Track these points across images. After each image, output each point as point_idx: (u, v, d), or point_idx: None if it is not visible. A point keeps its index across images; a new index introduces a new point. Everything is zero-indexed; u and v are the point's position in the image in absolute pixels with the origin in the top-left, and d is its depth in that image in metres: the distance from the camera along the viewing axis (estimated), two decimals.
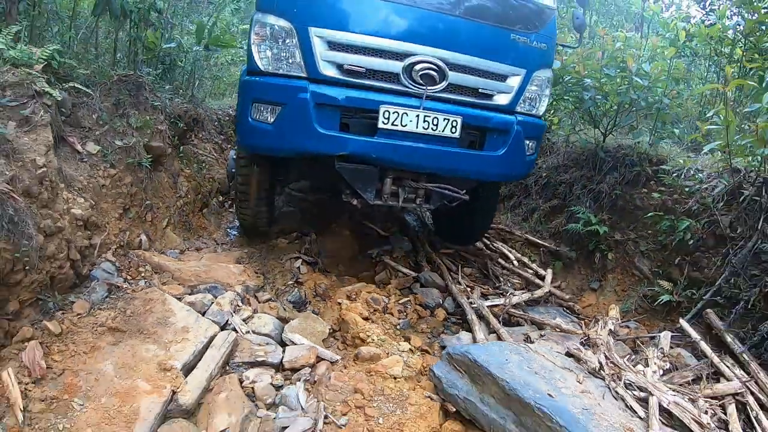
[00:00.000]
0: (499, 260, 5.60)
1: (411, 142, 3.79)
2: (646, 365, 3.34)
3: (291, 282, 4.41)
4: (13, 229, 2.67)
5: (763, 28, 4.15)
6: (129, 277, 3.62)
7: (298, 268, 4.66)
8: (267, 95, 3.70)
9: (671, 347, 3.65)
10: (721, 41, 6.01)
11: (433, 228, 6.33)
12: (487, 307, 4.31)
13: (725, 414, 2.99)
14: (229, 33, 7.45)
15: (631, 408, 2.71)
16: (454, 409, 2.85)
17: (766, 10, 4.63)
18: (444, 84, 3.79)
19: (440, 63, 3.74)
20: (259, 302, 3.88)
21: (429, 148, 3.85)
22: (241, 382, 2.82)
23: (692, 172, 4.55)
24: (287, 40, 3.58)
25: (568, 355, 3.26)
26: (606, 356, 3.23)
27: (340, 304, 4.03)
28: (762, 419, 2.97)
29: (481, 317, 4.18)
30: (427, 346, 3.81)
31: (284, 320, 3.67)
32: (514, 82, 4.08)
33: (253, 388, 2.81)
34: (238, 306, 3.58)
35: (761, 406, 3.09)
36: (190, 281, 3.76)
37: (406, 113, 3.71)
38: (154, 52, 5.12)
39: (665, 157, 5.05)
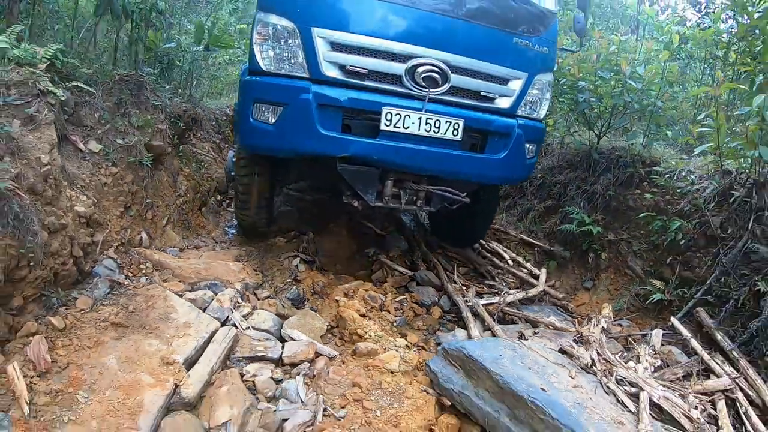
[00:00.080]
0: (494, 260, 5.67)
1: (413, 145, 3.79)
2: (638, 362, 3.41)
3: (289, 280, 4.47)
4: (18, 226, 2.72)
5: (756, 31, 4.20)
6: (130, 274, 3.67)
7: (296, 266, 4.72)
8: (269, 95, 3.68)
9: (662, 344, 3.72)
10: (715, 44, 6.10)
11: (430, 229, 6.34)
12: (482, 305, 4.38)
13: (715, 410, 3.06)
14: (227, 33, 7.50)
15: (622, 402, 2.79)
16: (450, 403, 2.92)
17: (758, 15, 4.71)
18: (446, 86, 3.79)
19: (443, 65, 3.74)
20: (258, 299, 3.94)
21: (431, 150, 3.85)
22: (241, 376, 2.89)
23: (684, 174, 4.64)
24: (290, 40, 3.56)
25: (561, 351, 3.33)
26: (598, 353, 3.30)
27: (337, 301, 4.09)
28: (751, 415, 3.05)
29: (476, 315, 4.25)
30: (423, 342, 3.88)
31: (283, 317, 3.73)
32: (516, 85, 4.09)
33: (253, 381, 2.88)
34: (238, 303, 3.64)
35: (750, 402, 3.17)
36: (191, 278, 3.81)
37: (408, 115, 3.71)
38: (154, 52, 5.17)
39: (658, 158, 5.14)
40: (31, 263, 2.85)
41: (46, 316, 2.92)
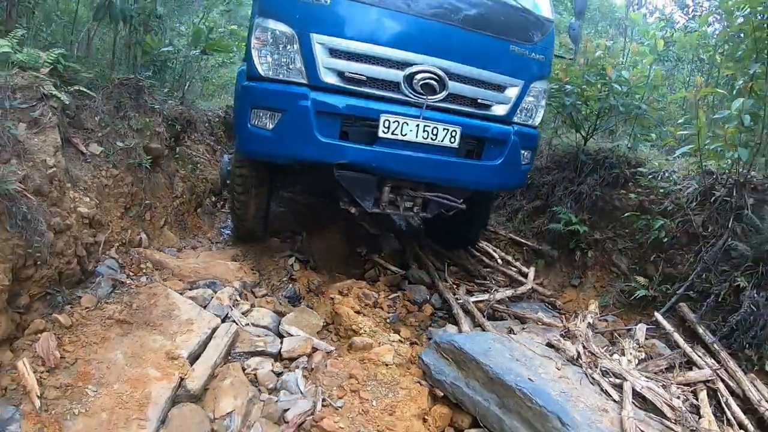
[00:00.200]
0: (484, 259, 5.82)
1: (411, 152, 3.80)
2: (622, 355, 3.56)
3: (285, 279, 4.59)
4: (26, 226, 2.81)
5: (742, 35, 4.33)
6: (131, 274, 3.76)
7: (292, 265, 4.84)
8: (267, 101, 3.68)
9: (646, 338, 3.88)
10: (701, 48, 6.28)
11: (425, 232, 6.35)
12: (473, 302, 4.51)
13: (697, 400, 3.21)
14: (220, 35, 7.58)
15: (606, 392, 2.93)
16: (442, 394, 3.06)
17: (741, 21, 4.85)
18: (444, 94, 3.80)
19: (441, 73, 3.75)
20: (256, 297, 4.06)
21: (428, 157, 3.86)
22: (243, 369, 3.01)
23: (667, 175, 4.80)
24: (288, 46, 3.56)
25: (549, 345, 3.47)
26: (584, 346, 3.45)
27: (332, 299, 4.21)
28: (732, 404, 3.20)
29: (466, 312, 4.39)
30: (416, 338, 4.02)
31: (280, 314, 3.84)
32: (512, 93, 4.12)
33: (255, 374, 3.00)
34: (237, 300, 3.75)
35: (731, 392, 3.32)
36: (190, 277, 3.92)
37: (406, 123, 3.73)
38: (150, 56, 5.25)
39: (643, 159, 5.30)
40: (38, 262, 2.94)
41: (52, 314, 3.00)
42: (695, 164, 4.57)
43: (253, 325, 3.50)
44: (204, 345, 3.06)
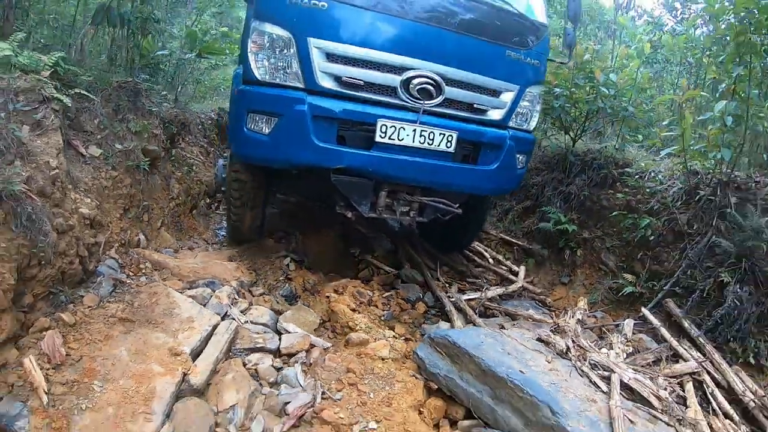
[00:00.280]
0: (476, 258, 5.93)
1: (407, 157, 3.81)
2: (611, 349, 3.68)
3: (282, 278, 4.67)
4: (30, 227, 2.87)
5: (727, 38, 4.47)
6: (131, 274, 3.82)
7: (287, 265, 4.92)
8: (263, 106, 3.67)
9: (634, 333, 4.00)
10: (688, 50, 6.43)
11: (420, 235, 6.37)
12: (465, 300, 4.62)
13: (683, 391, 3.34)
14: (213, 38, 7.64)
15: (595, 384, 3.04)
16: (436, 387, 3.15)
17: (725, 26, 4.97)
18: (440, 99, 3.82)
19: (437, 78, 3.76)
20: (254, 296, 4.13)
21: (425, 162, 3.88)
22: (244, 364, 3.09)
23: (654, 175, 4.95)
24: (285, 50, 3.55)
25: (539, 340, 3.57)
26: (573, 340, 3.56)
27: (328, 297, 4.30)
28: (717, 395, 3.33)
29: (459, 309, 4.49)
30: (410, 334, 4.12)
31: (278, 312, 3.92)
32: (508, 97, 4.14)
33: (256, 369, 3.08)
34: (235, 299, 3.83)
35: (717, 383, 3.45)
36: (189, 277, 3.99)
37: (403, 127, 3.73)
38: (147, 59, 5.32)
39: (630, 160, 5.44)
40: (42, 262, 3.00)
41: (55, 313, 3.05)
42: (680, 164, 4.71)
43: (251, 322, 3.58)
44: (205, 342, 3.14)
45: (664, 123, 4.94)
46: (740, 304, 3.72)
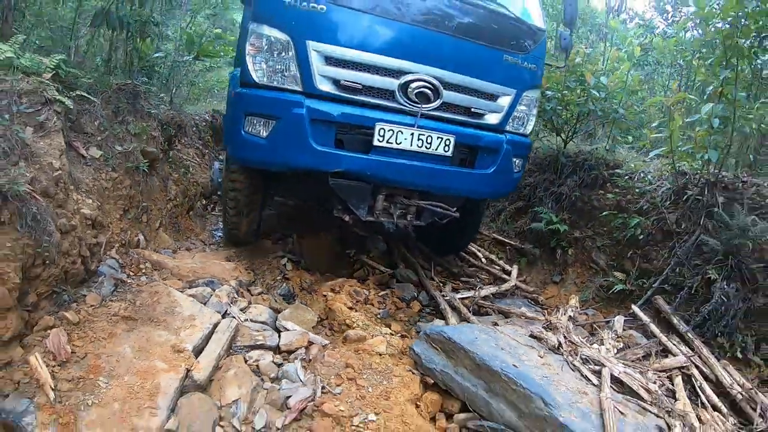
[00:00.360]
0: (469, 258, 6.03)
1: (405, 160, 3.82)
2: (601, 344, 3.79)
3: (279, 278, 4.74)
4: (35, 227, 2.92)
5: (716, 42, 4.49)
6: (131, 273, 3.88)
7: (284, 265, 5.00)
8: (261, 108, 3.66)
9: (624, 329, 4.11)
10: (679, 53, 6.56)
11: (417, 240, 6.39)
12: (459, 299, 4.72)
13: (672, 384, 3.44)
14: (208, 40, 7.69)
15: (586, 377, 3.14)
16: (432, 382, 3.24)
17: (713, 30, 5.07)
18: (438, 102, 3.84)
19: (435, 81, 3.77)
20: (252, 295, 4.21)
21: (423, 166, 3.89)
22: (245, 361, 3.15)
23: (643, 175, 5.06)
24: (283, 53, 3.54)
25: (531, 336, 3.67)
26: (565, 336, 3.66)
27: (325, 296, 4.38)
28: (705, 388, 3.44)
29: (453, 308, 4.59)
30: (405, 331, 4.21)
31: (276, 311, 3.99)
32: (505, 102, 4.15)
33: (257, 365, 3.15)
34: (235, 298, 3.90)
35: (705, 377, 3.57)
36: (188, 276, 4.05)
37: (401, 131, 3.75)
38: (145, 61, 5.37)
39: (620, 161, 5.57)
40: (47, 262, 3.05)
41: (59, 312, 3.10)
42: (669, 165, 4.83)
43: (251, 320, 3.64)
44: (207, 339, 3.20)
45: (653, 125, 5.05)
46: (727, 300, 3.84)
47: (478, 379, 3.01)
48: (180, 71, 7.56)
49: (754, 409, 3.26)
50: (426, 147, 3.86)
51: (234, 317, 3.57)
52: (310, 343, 3.53)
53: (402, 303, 4.84)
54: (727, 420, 3.21)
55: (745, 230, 3.89)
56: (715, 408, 3.31)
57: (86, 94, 3.91)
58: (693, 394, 3.43)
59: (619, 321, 4.17)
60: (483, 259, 6.04)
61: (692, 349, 3.81)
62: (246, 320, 3.63)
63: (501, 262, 5.98)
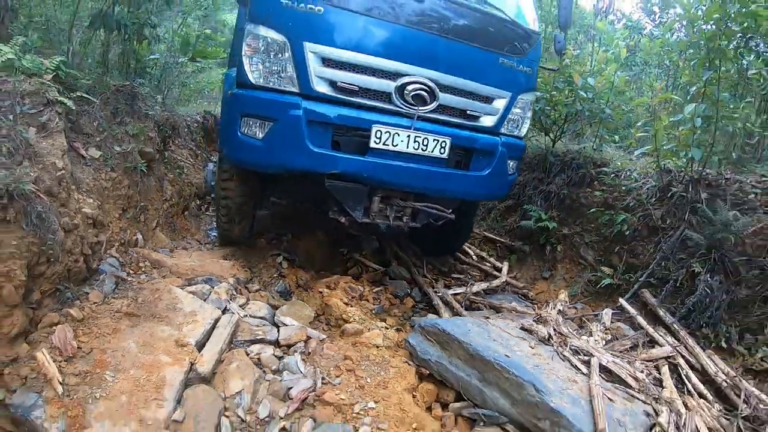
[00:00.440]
0: (461, 256, 6.15)
1: (402, 162, 3.83)
2: (590, 336, 3.91)
3: (275, 275, 4.83)
4: (40, 225, 2.99)
5: (701, 43, 4.56)
6: (131, 272, 3.95)
7: (280, 263, 5.09)
8: (257, 110, 3.65)
9: (612, 322, 4.24)
10: (665, 54, 6.73)
11: (411, 241, 6.39)
12: (451, 295, 4.85)
13: (659, 373, 3.57)
14: (200, 40, 7.73)
15: (576, 367, 3.26)
16: (428, 373, 3.36)
17: (697, 33, 5.20)
18: (434, 105, 3.85)
19: (431, 84, 3.79)
20: (250, 292, 4.29)
21: (419, 168, 3.90)
22: (247, 354, 3.25)
23: (629, 173, 5.21)
24: (280, 54, 3.53)
25: (522, 329, 3.78)
26: (555, 329, 3.79)
27: (321, 293, 4.47)
28: (691, 377, 3.58)
29: (445, 303, 4.71)
30: (400, 326, 4.32)
31: (274, 307, 4.07)
32: (500, 104, 4.18)
33: (259, 358, 3.25)
34: (234, 295, 3.98)
35: (691, 366, 3.70)
36: (187, 274, 4.12)
37: (397, 133, 3.76)
38: (141, 63, 5.43)
39: (607, 160, 5.72)
40: (51, 259, 3.11)
41: (63, 309, 3.17)
42: (654, 163, 4.98)
43: (250, 316, 3.73)
44: (208, 334, 3.28)
45: (639, 124, 5.20)
46: (711, 292, 3.98)
47: (472, 369, 3.13)
48: (172, 72, 7.61)
49: (738, 396, 3.37)
50: (422, 149, 3.88)
51: (234, 313, 3.65)
52: (309, 337, 3.62)
53: (395, 299, 4.95)
54: (713, 406, 3.34)
55: (727, 225, 4.03)
56: (701, 395, 3.44)
57: (86, 95, 3.96)
58: (679, 382, 3.55)
59: (607, 314, 4.30)
60: (474, 257, 6.16)
61: (678, 340, 3.94)
62: (245, 316, 3.72)
63: (492, 260, 6.11)
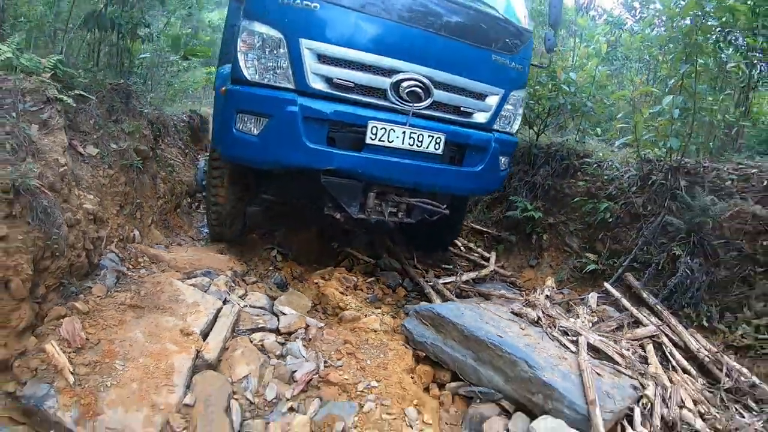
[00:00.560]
0: (450, 248, 6.29)
1: (397, 158, 3.86)
2: (577, 318, 4.08)
3: (271, 268, 4.95)
4: (45, 220, 3.06)
5: (679, 38, 4.71)
6: (131, 266, 4.01)
7: (275, 256, 5.20)
8: (253, 106, 3.66)
9: (598, 305, 4.43)
10: (645, 48, 6.93)
11: (406, 237, 6.47)
12: (442, 284, 4.99)
13: (644, 351, 3.75)
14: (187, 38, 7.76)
15: (565, 345, 3.43)
16: (424, 355, 3.51)
17: (676, 28, 5.37)
18: (429, 101, 3.88)
19: (426, 81, 3.82)
20: (247, 284, 4.39)
21: (414, 164, 3.94)
22: (251, 341, 3.36)
23: (611, 163, 5.41)
24: (276, 51, 3.54)
25: (512, 313, 3.94)
26: (543, 312, 3.95)
27: (317, 283, 4.59)
28: (675, 354, 3.77)
29: (437, 291, 4.85)
30: (395, 314, 4.44)
31: (272, 297, 4.18)
32: (493, 101, 4.22)
33: (262, 344, 3.36)
34: (232, 286, 4.08)
35: (674, 344, 3.89)
36: (185, 268, 4.20)
37: (393, 129, 3.78)
38: (134, 62, 5.49)
39: (590, 151, 5.91)
40: (55, 254, 3.18)
41: (68, 302, 3.23)
42: (634, 153, 5.17)
43: (250, 306, 3.84)
44: (212, 323, 3.38)
45: (619, 116, 5.39)
46: (692, 274, 4.19)
47: (467, 350, 3.28)
48: (159, 71, 7.65)
49: (721, 370, 3.58)
50: (417, 145, 3.92)
51: (234, 303, 3.75)
52: (308, 325, 3.73)
53: (388, 289, 5.08)
54: (696, 381, 3.54)
55: (706, 210, 4.22)
56: (684, 370, 3.63)
57: (84, 93, 4.02)
58: (664, 359, 3.74)
59: (593, 297, 4.48)
60: (462, 248, 6.32)
61: (661, 320, 4.13)
62: (245, 306, 3.82)
63: (480, 250, 6.27)
